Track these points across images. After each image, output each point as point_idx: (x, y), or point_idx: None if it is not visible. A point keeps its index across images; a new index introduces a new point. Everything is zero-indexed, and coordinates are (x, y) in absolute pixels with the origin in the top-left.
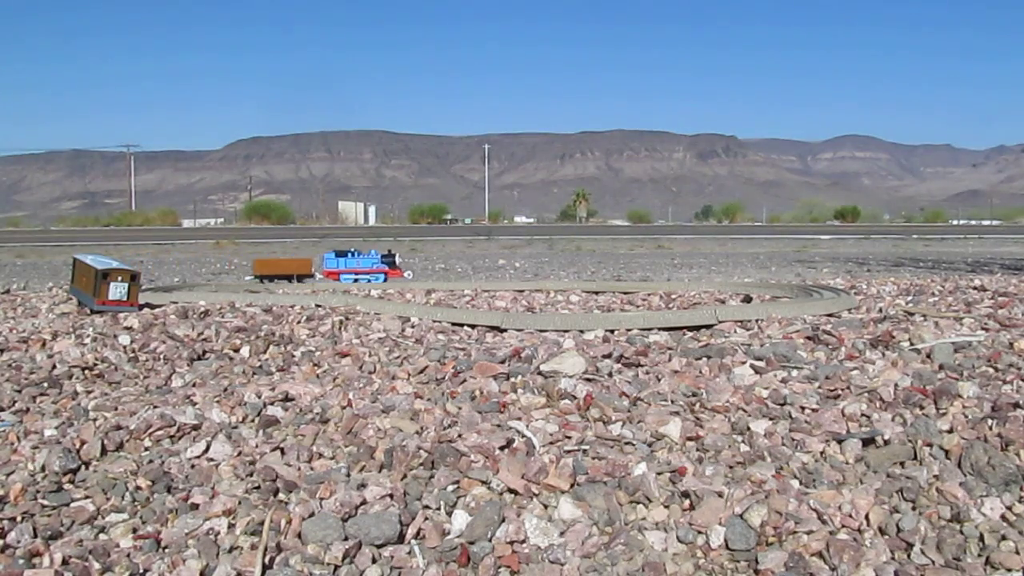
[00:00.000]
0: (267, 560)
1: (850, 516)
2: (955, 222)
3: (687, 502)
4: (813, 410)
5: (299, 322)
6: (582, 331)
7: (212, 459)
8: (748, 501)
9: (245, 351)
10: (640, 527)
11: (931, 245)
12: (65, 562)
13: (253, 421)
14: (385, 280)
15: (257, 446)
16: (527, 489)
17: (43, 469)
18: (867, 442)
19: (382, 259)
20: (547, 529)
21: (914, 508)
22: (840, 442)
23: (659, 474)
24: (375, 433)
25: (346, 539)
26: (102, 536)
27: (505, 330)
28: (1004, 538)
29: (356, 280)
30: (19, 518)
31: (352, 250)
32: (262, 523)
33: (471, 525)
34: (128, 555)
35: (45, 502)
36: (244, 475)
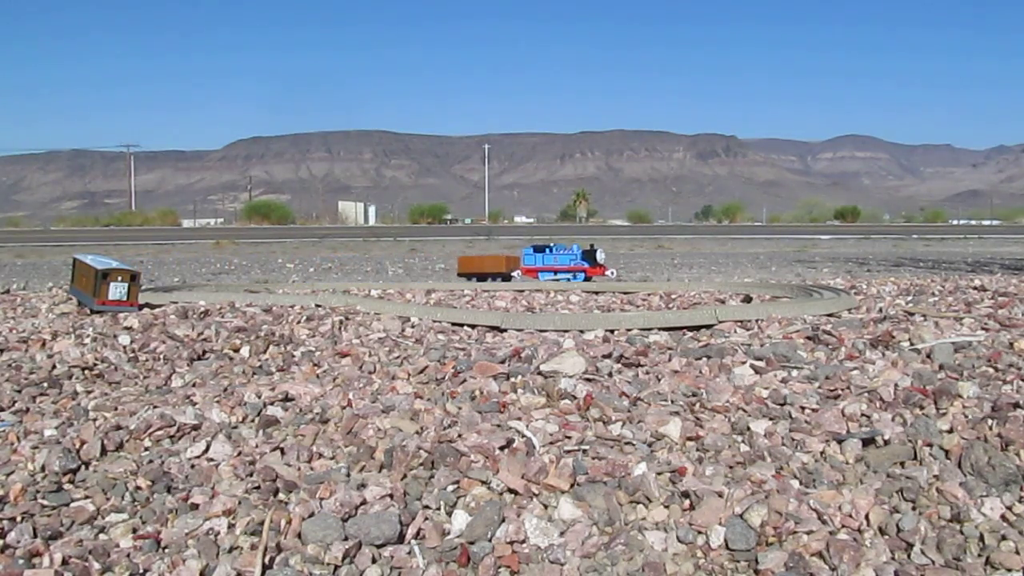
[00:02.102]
0: (267, 560)
1: (850, 516)
2: (955, 222)
3: (687, 502)
4: (813, 410)
5: (299, 322)
6: (582, 331)
7: (212, 459)
8: (748, 501)
9: (245, 351)
10: (640, 527)
11: (931, 245)
12: (65, 562)
13: (253, 421)
14: (586, 279)
15: (257, 446)
16: (527, 489)
17: (43, 469)
18: (867, 442)
19: (583, 255)
20: (547, 529)
21: (914, 508)
22: (840, 442)
23: (659, 474)
24: (375, 433)
25: (346, 539)
26: (102, 536)
27: (505, 330)
28: (1004, 538)
29: (556, 278)
30: (19, 518)
31: (550, 245)
32: (262, 523)
33: (471, 525)
34: (128, 555)
35: (45, 502)
36: (244, 475)
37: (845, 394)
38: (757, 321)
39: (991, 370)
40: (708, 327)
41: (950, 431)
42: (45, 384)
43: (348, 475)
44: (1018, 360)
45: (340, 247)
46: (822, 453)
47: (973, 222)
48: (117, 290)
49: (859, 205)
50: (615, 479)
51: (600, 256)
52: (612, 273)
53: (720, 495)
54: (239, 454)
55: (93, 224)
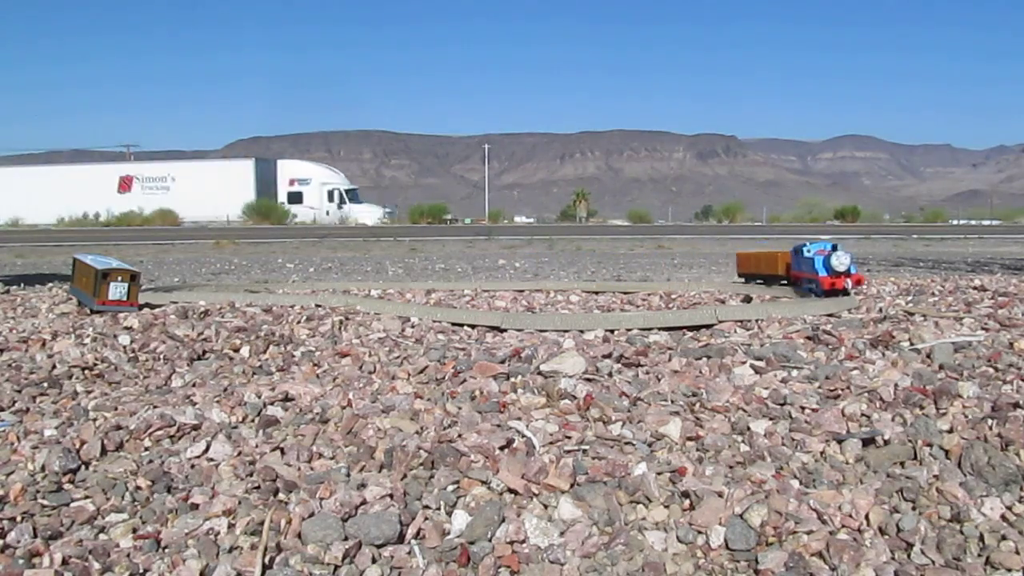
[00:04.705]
0: (267, 560)
1: (850, 516)
2: (955, 222)
3: (687, 502)
4: (813, 410)
5: (299, 322)
6: (582, 331)
7: (212, 459)
8: (748, 501)
9: (245, 351)
10: (640, 527)
11: (931, 245)
12: (65, 562)
13: (253, 421)
14: (825, 293)
15: (257, 446)
16: (527, 489)
17: (43, 469)
18: (867, 442)
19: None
20: (547, 529)
21: (914, 508)
22: (840, 442)
23: (659, 474)
24: (375, 433)
25: (346, 539)
26: (102, 536)
27: (505, 330)
28: (1004, 538)
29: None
30: (19, 518)
31: (804, 244)
32: (262, 523)
33: (471, 525)
34: (128, 555)
35: (45, 502)
36: (244, 475)
37: (845, 394)
38: (757, 321)
39: (991, 370)
40: (708, 327)
41: (950, 431)
42: (45, 384)
43: (348, 475)
44: (1018, 360)
45: (340, 247)
46: (822, 453)
47: (973, 222)
48: (117, 290)
49: (859, 205)
50: (615, 479)
51: (839, 262)
52: (850, 284)
53: (720, 495)
54: (239, 454)
55: (93, 224)
